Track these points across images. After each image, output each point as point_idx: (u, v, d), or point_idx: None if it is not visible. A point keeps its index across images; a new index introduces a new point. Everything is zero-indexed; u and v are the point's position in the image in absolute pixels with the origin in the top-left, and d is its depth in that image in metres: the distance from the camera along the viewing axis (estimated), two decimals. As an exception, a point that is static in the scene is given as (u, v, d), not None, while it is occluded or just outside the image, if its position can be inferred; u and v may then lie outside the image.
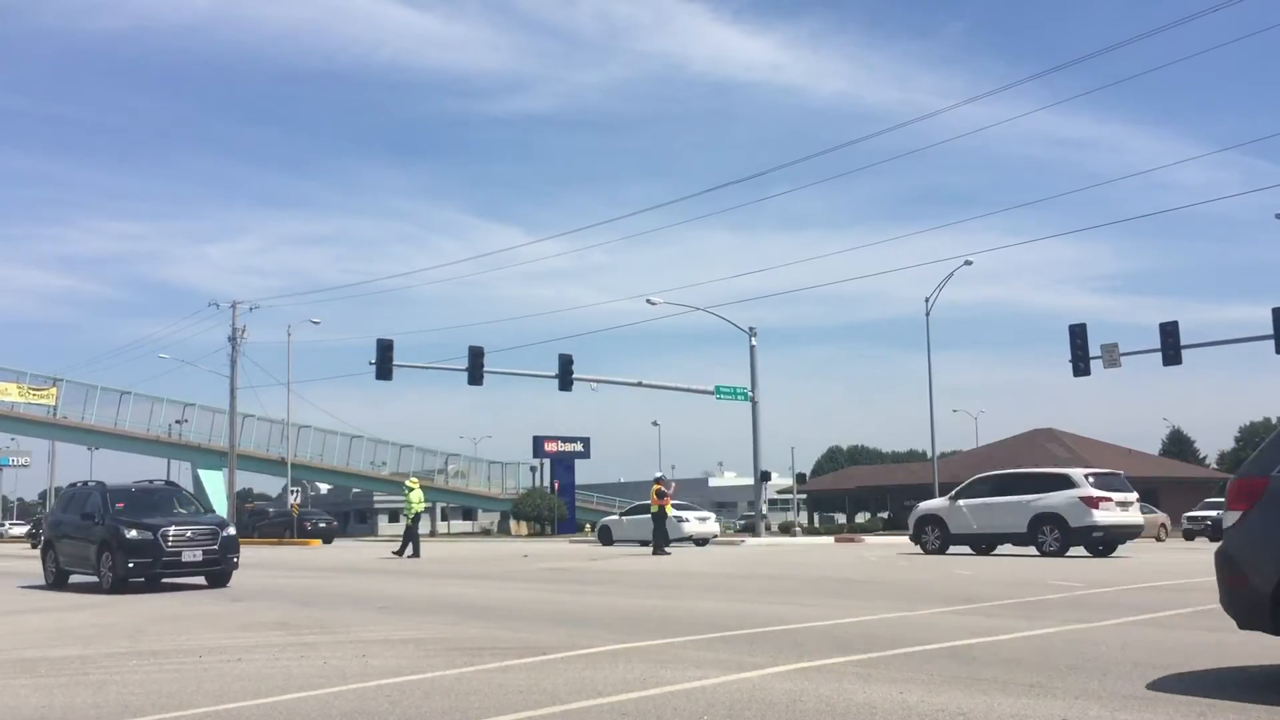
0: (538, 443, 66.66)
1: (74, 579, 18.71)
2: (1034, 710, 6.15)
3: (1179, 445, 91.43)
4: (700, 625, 10.46)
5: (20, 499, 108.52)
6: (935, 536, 26.37)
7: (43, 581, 19.11)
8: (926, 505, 27.82)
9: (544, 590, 16.05)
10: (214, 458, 62.14)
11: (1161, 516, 44.31)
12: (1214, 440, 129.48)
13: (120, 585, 16.81)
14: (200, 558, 17.08)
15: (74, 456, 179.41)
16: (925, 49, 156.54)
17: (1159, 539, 41.99)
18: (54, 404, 61.36)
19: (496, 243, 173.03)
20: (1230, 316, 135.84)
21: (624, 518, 40.05)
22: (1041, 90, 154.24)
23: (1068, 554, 23.90)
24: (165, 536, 16.86)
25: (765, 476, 45.48)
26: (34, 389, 60.48)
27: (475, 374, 41.28)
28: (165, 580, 17.76)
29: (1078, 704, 6.30)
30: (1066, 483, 24.81)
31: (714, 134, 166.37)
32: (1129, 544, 26.54)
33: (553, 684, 7.24)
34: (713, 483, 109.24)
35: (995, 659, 8.04)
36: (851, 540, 42.79)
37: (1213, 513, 42.88)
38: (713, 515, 40.75)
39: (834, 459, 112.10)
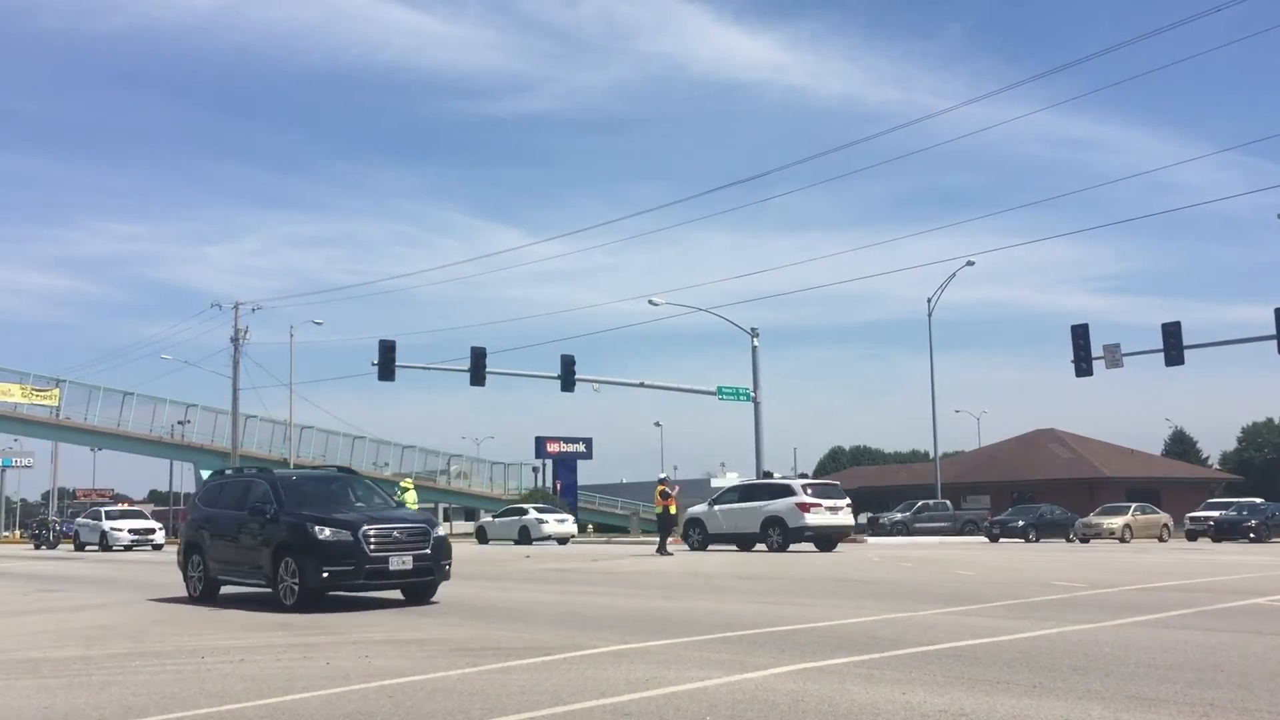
0: (540, 443, 66.60)
1: (226, 590, 15.14)
2: (1037, 710, 6.15)
3: (1181, 446, 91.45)
4: (703, 626, 10.46)
5: (23, 499, 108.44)
6: (698, 536, 30.93)
7: (183, 593, 15.26)
8: (692, 510, 32.16)
9: (546, 591, 16.05)
10: (217, 459, 62.07)
11: (1164, 517, 44.10)
12: (1216, 440, 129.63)
13: (309, 600, 12.87)
14: (409, 566, 13.23)
15: (77, 457, 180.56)
16: (926, 50, 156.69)
17: (1161, 539, 41.81)
18: (57, 405, 61.41)
19: (498, 243, 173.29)
20: (1232, 317, 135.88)
21: (496, 519, 46.35)
22: (1042, 91, 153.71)
23: (790, 549, 28.09)
24: (367, 537, 12.99)
25: (767, 477, 45.39)
26: (36, 390, 60.50)
27: (477, 375, 41.30)
28: (363, 595, 14.03)
29: (1080, 704, 6.30)
30: (788, 491, 29.18)
31: (715, 134, 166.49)
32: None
33: (555, 684, 7.24)
34: (715, 483, 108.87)
35: (998, 659, 8.04)
36: (854, 541, 42.72)
37: (1215, 513, 42.75)
38: (570, 518, 45.77)
39: (836, 459, 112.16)
